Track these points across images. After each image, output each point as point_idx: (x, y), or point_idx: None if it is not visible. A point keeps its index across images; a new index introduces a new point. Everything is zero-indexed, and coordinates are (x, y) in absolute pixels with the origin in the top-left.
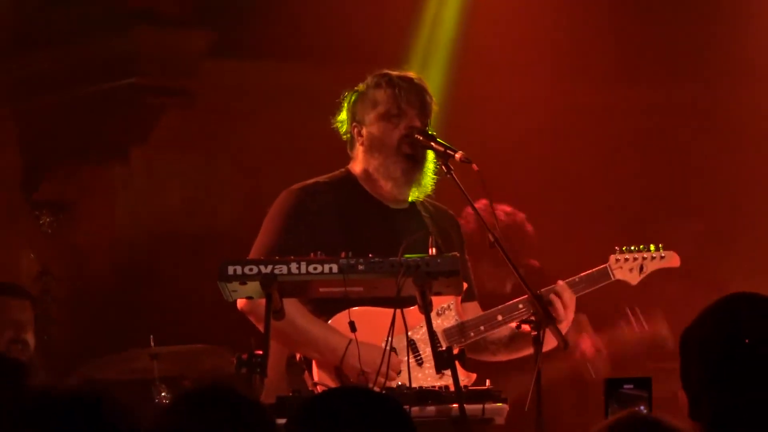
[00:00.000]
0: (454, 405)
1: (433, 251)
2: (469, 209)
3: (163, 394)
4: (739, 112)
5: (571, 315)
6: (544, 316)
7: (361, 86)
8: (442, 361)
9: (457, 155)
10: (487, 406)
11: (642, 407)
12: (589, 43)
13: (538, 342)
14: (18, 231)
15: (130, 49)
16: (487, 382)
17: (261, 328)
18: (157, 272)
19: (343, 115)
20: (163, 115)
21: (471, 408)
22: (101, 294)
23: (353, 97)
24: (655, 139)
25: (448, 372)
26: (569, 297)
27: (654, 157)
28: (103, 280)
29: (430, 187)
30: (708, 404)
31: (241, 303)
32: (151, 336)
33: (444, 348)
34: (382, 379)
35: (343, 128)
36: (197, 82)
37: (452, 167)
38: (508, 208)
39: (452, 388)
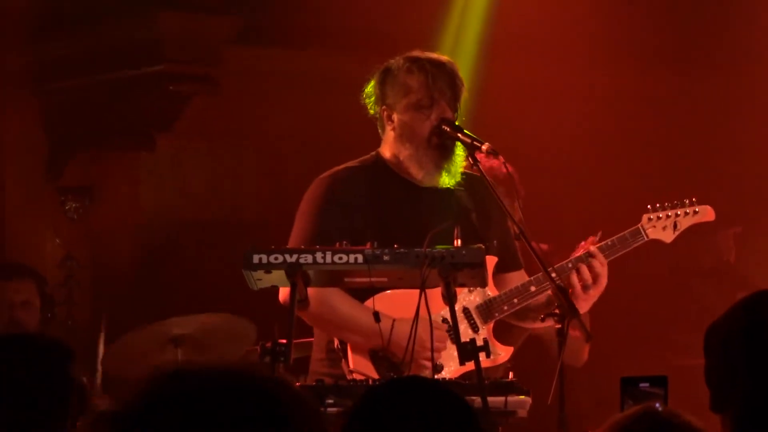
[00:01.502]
0: (477, 397)
1: (458, 243)
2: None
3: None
4: None
5: (604, 281)
6: (569, 308)
7: (392, 63)
8: (466, 353)
9: (484, 147)
10: (509, 398)
11: (658, 405)
12: (624, 29)
13: (561, 335)
14: (43, 216)
15: (156, 35)
16: (510, 374)
17: (305, 319)
18: (182, 259)
19: (371, 90)
20: (189, 102)
21: (494, 400)
22: (125, 280)
23: (382, 77)
24: (692, 130)
25: (486, 331)
26: (601, 263)
27: (691, 148)
28: (128, 266)
29: (459, 175)
30: (730, 399)
31: (282, 296)
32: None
33: (468, 340)
34: (429, 354)
35: (371, 105)
36: (223, 68)
37: (479, 159)
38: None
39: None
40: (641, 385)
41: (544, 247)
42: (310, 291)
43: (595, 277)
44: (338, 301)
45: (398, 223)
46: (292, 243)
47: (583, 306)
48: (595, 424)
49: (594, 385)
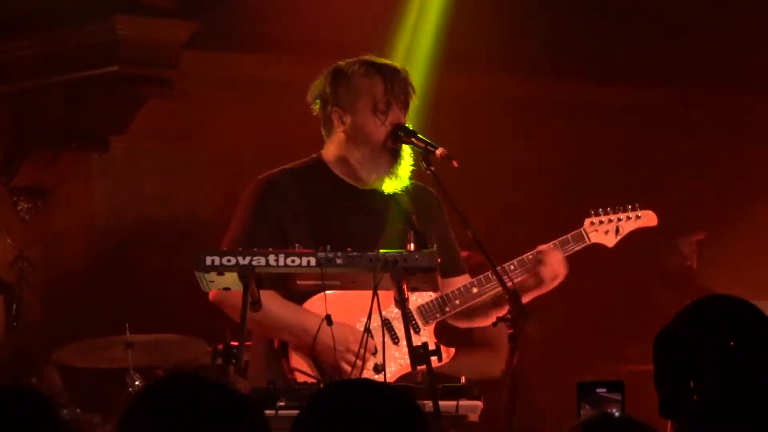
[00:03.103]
0: (428, 401)
1: (411, 247)
2: None
3: (137, 383)
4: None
5: (564, 271)
6: (520, 313)
7: (344, 65)
8: (417, 357)
9: (438, 151)
10: (461, 402)
11: (614, 411)
12: (575, 43)
13: (513, 339)
14: None
15: (112, 38)
16: (462, 378)
17: (234, 317)
18: (134, 260)
19: (319, 90)
20: (144, 105)
21: (445, 404)
22: (77, 281)
23: (334, 77)
24: (646, 143)
25: (427, 332)
26: (557, 257)
27: (646, 160)
28: (80, 267)
29: (407, 180)
30: (678, 403)
31: (212, 294)
32: (126, 324)
33: (420, 344)
34: (354, 359)
35: (317, 105)
36: (179, 72)
37: (432, 163)
38: None
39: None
40: (598, 390)
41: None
42: (239, 292)
43: (560, 266)
44: (269, 301)
45: (335, 226)
46: (224, 243)
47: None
48: (552, 430)
49: (551, 390)
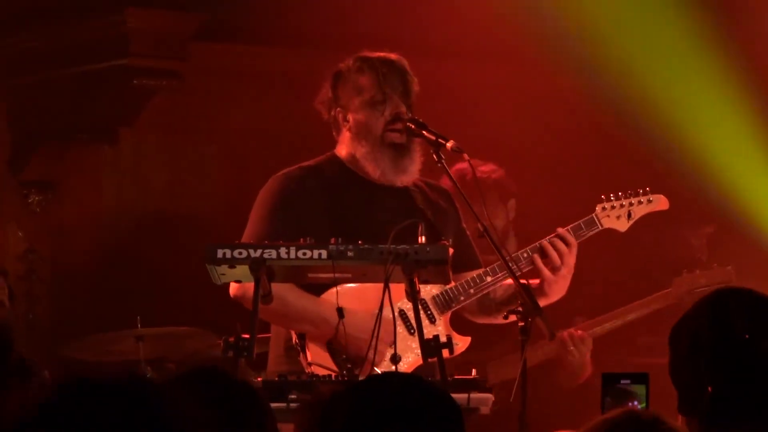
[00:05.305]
0: None
1: (422, 239)
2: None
3: (148, 376)
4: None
5: (571, 261)
6: (532, 306)
7: (341, 66)
8: (429, 350)
9: (449, 144)
10: (472, 395)
11: (637, 403)
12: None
13: (524, 332)
14: (5, 209)
15: (121, 30)
16: (473, 371)
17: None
18: (144, 253)
19: (323, 96)
20: (153, 97)
21: (456, 397)
22: (87, 274)
23: (334, 80)
24: (651, 134)
25: (443, 322)
26: (568, 243)
27: (651, 151)
28: (90, 260)
29: (416, 173)
30: (697, 398)
31: (233, 289)
32: (138, 317)
33: (432, 337)
34: (375, 349)
35: (324, 110)
36: (188, 64)
37: (443, 156)
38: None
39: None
40: (622, 381)
41: None
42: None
43: (562, 257)
44: (288, 293)
45: (353, 221)
46: (245, 240)
47: (557, 290)
48: (559, 420)
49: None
